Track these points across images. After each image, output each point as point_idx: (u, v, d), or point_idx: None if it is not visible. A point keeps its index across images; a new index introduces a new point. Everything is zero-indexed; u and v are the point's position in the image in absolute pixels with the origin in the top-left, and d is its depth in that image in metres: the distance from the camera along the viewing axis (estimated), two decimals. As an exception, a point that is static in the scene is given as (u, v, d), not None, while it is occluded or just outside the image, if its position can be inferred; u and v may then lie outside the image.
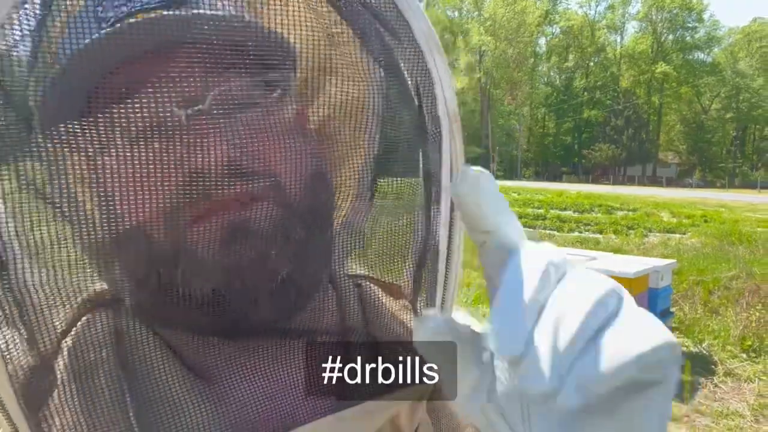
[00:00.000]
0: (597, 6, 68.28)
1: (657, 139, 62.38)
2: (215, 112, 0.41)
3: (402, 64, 0.46)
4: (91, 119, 0.38)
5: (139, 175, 0.40)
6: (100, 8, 0.39)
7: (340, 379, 0.50)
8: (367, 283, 0.58)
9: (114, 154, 0.39)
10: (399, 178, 0.51)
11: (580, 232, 13.11)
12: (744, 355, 5.34)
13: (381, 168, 0.52)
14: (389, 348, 0.53)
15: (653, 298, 5.21)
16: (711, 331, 5.89)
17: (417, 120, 0.47)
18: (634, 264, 5.13)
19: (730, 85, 58.61)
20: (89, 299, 0.45)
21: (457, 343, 0.37)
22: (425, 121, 0.47)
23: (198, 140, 0.40)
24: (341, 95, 0.47)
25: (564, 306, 0.31)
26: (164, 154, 0.40)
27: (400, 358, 0.52)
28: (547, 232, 12.85)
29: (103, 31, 0.39)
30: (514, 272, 0.34)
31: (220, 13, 0.41)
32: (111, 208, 0.40)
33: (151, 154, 0.40)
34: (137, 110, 0.39)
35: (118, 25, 0.39)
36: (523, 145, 63.87)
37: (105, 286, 0.45)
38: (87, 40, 0.38)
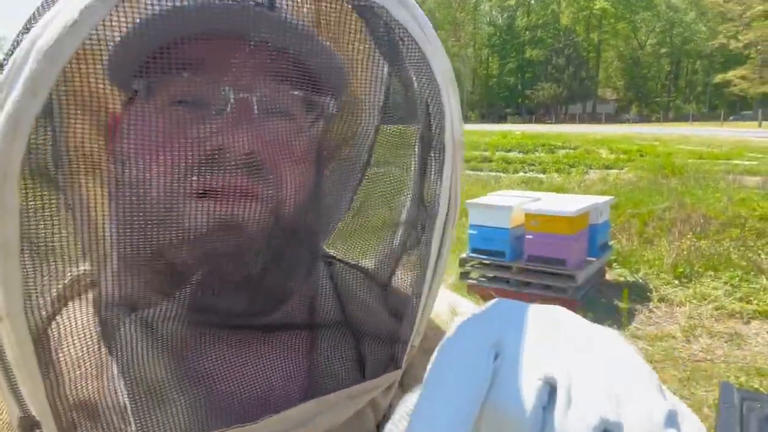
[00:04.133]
0: (536, -59, 67.54)
1: (596, 76, 63.71)
2: (258, 105, 0.45)
3: (415, 87, 0.51)
4: (146, 76, 0.42)
5: (167, 137, 0.43)
6: None
7: (322, 365, 0.53)
8: (338, 263, 0.61)
9: (152, 110, 0.43)
10: (388, 171, 0.57)
11: (525, 173, 13.45)
12: (676, 282, 5.73)
13: (372, 158, 0.57)
14: (366, 330, 0.56)
15: (593, 234, 5.47)
16: (646, 260, 6.26)
17: (425, 136, 0.52)
18: (575, 203, 5.33)
19: (664, 20, 60.00)
20: (73, 282, 0.46)
21: None
22: (432, 143, 0.51)
23: (233, 121, 0.43)
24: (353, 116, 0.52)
25: None
26: (197, 122, 0.43)
27: (376, 343, 0.55)
28: (494, 174, 13.12)
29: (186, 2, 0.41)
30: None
31: (303, 26, 0.46)
32: (127, 160, 0.43)
33: (186, 118, 0.43)
34: (194, 76, 0.43)
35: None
36: (468, 88, 63.95)
37: (86, 268, 0.46)
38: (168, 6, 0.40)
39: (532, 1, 66.38)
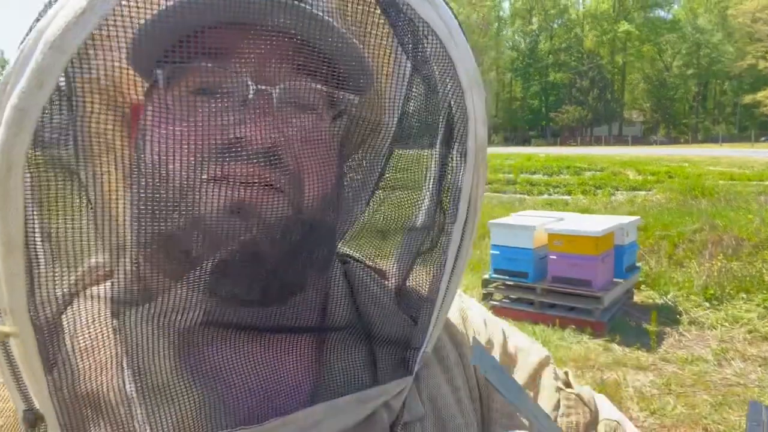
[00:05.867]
0: (558, -33, 67.98)
1: (622, 98, 63.18)
2: (280, 98, 0.44)
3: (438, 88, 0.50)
4: (171, 63, 0.42)
5: (188, 124, 0.42)
6: None
7: (333, 367, 0.52)
8: (353, 261, 0.61)
9: (175, 99, 0.42)
10: (407, 172, 0.56)
11: (550, 195, 13.30)
12: (707, 304, 5.56)
13: (392, 158, 0.56)
14: (378, 332, 0.55)
15: (619, 255, 5.37)
16: (676, 282, 6.10)
17: (445, 139, 0.52)
18: (600, 223, 5.26)
19: (690, 42, 59.39)
20: (85, 275, 0.46)
21: None
22: (455, 146, 0.51)
23: (255, 113, 0.43)
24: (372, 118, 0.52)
25: None
26: (219, 112, 0.43)
27: (388, 346, 0.54)
28: (518, 196, 13.01)
29: None
30: None
31: (331, 22, 0.45)
32: (150, 145, 0.42)
33: (207, 107, 0.43)
34: (221, 66, 0.43)
35: None
36: (491, 111, 63.98)
37: (101, 259, 0.45)
38: None
39: (555, 26, 66.58)
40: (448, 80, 0.49)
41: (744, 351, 4.52)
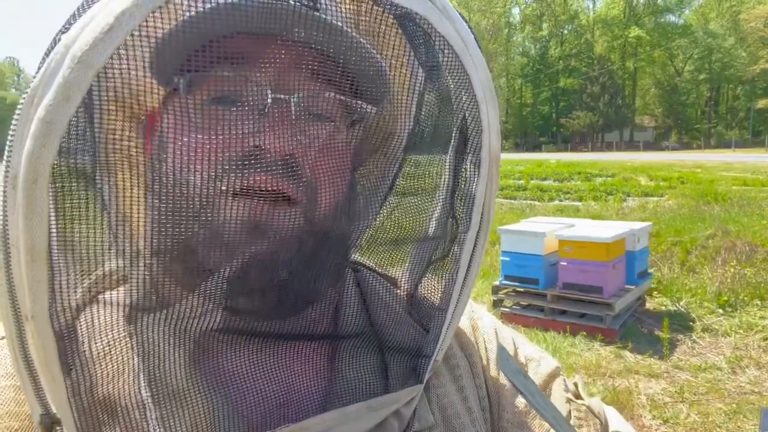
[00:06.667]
0: (568, -27, 67.88)
1: (633, 103, 62.78)
2: (299, 108, 0.44)
3: (453, 100, 0.51)
4: (191, 72, 0.42)
5: (208, 133, 0.42)
6: None
7: (345, 374, 0.52)
8: (365, 270, 0.61)
9: (195, 108, 0.43)
10: (420, 182, 0.56)
11: (561, 201, 13.23)
12: (720, 311, 5.50)
13: (406, 166, 0.57)
14: (390, 339, 0.55)
15: (631, 261, 5.33)
16: (688, 289, 6.04)
17: (458, 149, 0.52)
18: (610, 229, 5.22)
19: (702, 47, 58.94)
20: (99, 281, 0.46)
21: None
22: (469, 156, 0.51)
23: (274, 122, 0.43)
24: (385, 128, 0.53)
25: None
26: (238, 121, 0.43)
27: (399, 354, 0.54)
28: (528, 202, 12.96)
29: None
30: None
31: (353, 34, 0.45)
32: (168, 157, 0.43)
33: (226, 116, 0.43)
34: (237, 76, 0.43)
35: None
36: (501, 117, 63.72)
37: (115, 265, 0.46)
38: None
39: (565, 31, 66.43)
40: (462, 93, 0.49)
41: (758, 358, 4.46)
